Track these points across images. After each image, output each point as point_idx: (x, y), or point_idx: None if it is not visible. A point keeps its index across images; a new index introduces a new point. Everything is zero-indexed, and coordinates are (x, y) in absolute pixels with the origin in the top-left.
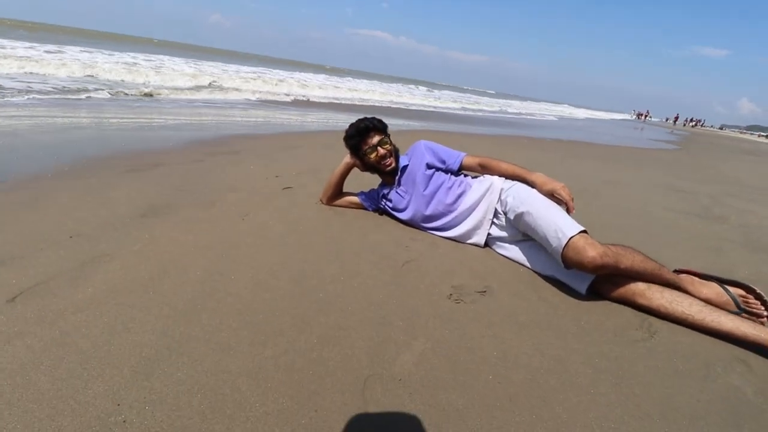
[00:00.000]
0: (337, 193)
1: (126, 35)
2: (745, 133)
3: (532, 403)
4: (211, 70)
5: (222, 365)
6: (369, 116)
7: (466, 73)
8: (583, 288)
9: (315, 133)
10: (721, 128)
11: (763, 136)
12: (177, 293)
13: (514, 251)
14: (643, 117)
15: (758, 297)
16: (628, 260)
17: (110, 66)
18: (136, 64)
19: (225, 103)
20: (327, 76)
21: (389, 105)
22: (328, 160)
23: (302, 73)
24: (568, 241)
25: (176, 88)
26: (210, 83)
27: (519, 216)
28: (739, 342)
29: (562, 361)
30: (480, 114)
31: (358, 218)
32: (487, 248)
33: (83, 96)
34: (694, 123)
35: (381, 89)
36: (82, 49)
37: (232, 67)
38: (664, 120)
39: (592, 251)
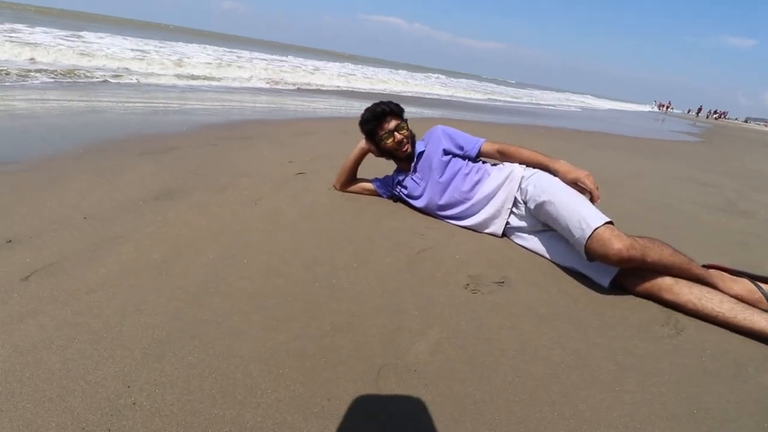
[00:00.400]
0: (350, 179)
1: (140, 20)
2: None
3: (553, 399)
4: (225, 57)
5: (233, 350)
6: (385, 100)
7: (482, 61)
8: (606, 281)
9: (330, 119)
10: (745, 121)
11: None
12: (189, 276)
13: (533, 242)
14: (665, 108)
15: None
16: (656, 253)
17: (116, 51)
18: (148, 51)
19: (237, 89)
20: (342, 63)
21: (413, 95)
22: (343, 146)
23: (318, 61)
24: (592, 233)
25: (188, 75)
26: (219, 68)
27: (540, 205)
28: None
29: (584, 356)
30: (499, 104)
31: (372, 205)
32: (505, 238)
33: (94, 80)
34: (718, 115)
35: (398, 77)
36: (95, 34)
37: (245, 53)
38: (686, 111)
39: (618, 243)
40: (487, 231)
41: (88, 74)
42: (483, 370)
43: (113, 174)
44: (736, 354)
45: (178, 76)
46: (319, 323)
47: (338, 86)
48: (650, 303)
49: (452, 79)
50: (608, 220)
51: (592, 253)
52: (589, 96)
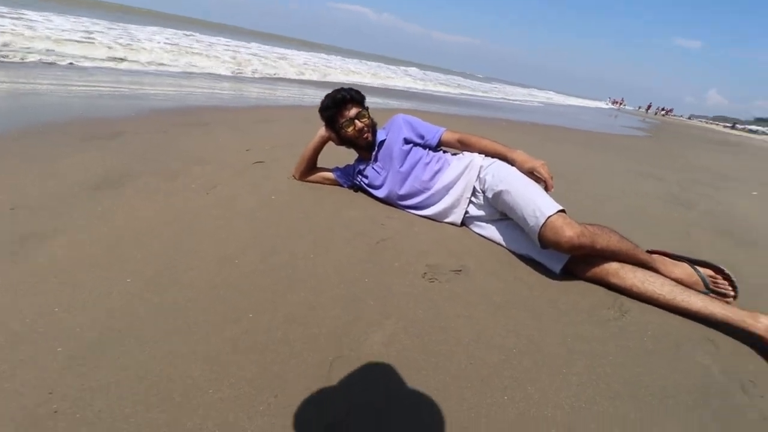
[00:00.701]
0: (310, 167)
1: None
2: (711, 123)
3: (504, 384)
4: (182, 41)
5: (174, 348)
6: (346, 87)
7: (450, 54)
8: (557, 268)
9: (294, 107)
10: (689, 118)
11: (728, 126)
12: (128, 271)
13: (490, 230)
14: (618, 105)
15: (726, 277)
16: (605, 240)
17: (58, 31)
18: (93, 32)
19: (196, 74)
20: (311, 53)
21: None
22: (305, 135)
23: (285, 49)
24: (546, 221)
25: (141, 60)
26: (172, 53)
27: (497, 194)
28: (707, 321)
29: (536, 342)
30: (467, 97)
31: (332, 194)
32: (464, 227)
33: (31, 60)
34: (665, 112)
35: (366, 68)
36: (39, 13)
37: (205, 38)
38: (637, 108)
39: (569, 231)
40: (446, 220)
41: (28, 54)
42: (438, 359)
43: (50, 160)
44: (676, 334)
45: (122, 59)
46: (271, 316)
47: (305, 76)
48: (599, 288)
49: (425, 72)
50: (561, 208)
51: (545, 240)
52: (551, 92)
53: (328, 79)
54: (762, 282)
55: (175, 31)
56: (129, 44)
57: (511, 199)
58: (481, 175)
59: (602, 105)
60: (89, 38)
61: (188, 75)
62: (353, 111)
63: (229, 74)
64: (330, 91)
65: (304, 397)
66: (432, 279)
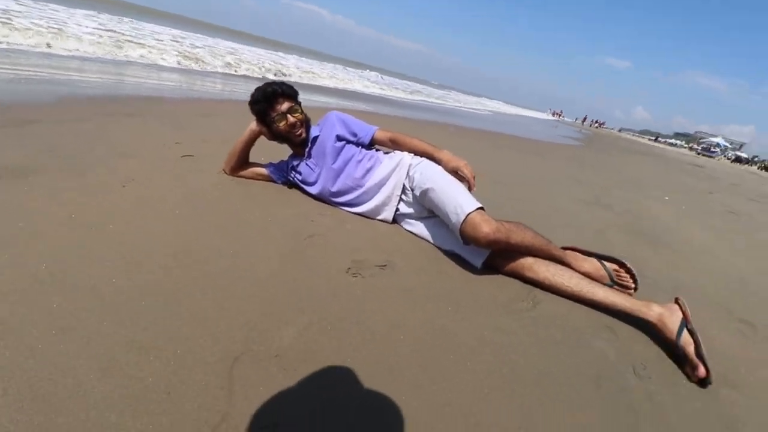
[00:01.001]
0: (241, 162)
1: None
2: (637, 136)
3: (412, 372)
4: (118, 27)
5: (57, 349)
6: (278, 81)
7: (401, 59)
8: (479, 262)
9: (239, 102)
10: (620, 130)
11: (651, 139)
12: (12, 273)
13: (419, 227)
14: (558, 116)
15: (628, 271)
16: (519, 236)
17: None
18: (15, 11)
19: (132, 63)
20: (265, 49)
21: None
22: (244, 129)
23: (239, 44)
24: (466, 217)
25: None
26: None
27: (424, 192)
28: (609, 310)
29: (450, 332)
30: (422, 102)
31: (264, 191)
32: (396, 225)
33: None
34: (598, 124)
35: (324, 70)
36: None
37: (147, 26)
38: (574, 120)
39: (486, 227)
40: (379, 217)
41: None
42: (348, 353)
43: None
44: (580, 323)
45: (48, 45)
46: (174, 315)
47: (257, 73)
48: (515, 281)
49: (382, 76)
50: (479, 206)
51: (465, 236)
52: (500, 102)
53: (285, 80)
54: (661, 276)
55: (110, 16)
56: (58, 28)
57: (436, 197)
58: (410, 173)
59: (544, 116)
60: (8, 20)
61: (125, 64)
62: (285, 105)
63: (174, 65)
64: (261, 84)
65: (198, 394)
66: (356, 274)
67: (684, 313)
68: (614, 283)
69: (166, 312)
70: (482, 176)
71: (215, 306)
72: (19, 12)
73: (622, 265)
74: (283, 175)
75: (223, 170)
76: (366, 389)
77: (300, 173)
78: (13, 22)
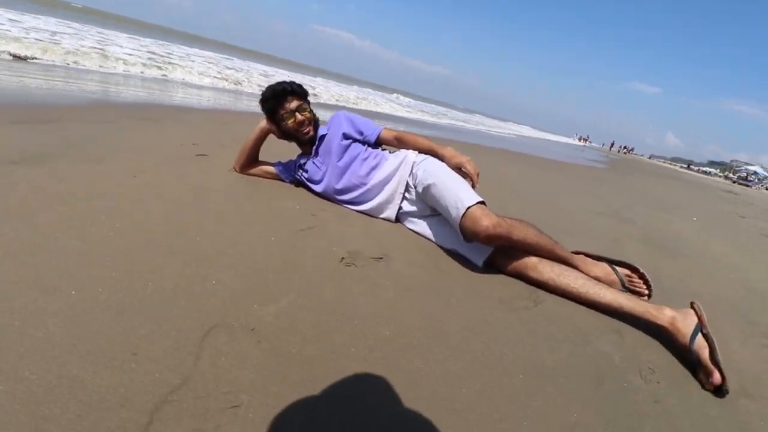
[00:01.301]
0: (251, 160)
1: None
2: (668, 163)
3: (390, 355)
4: (155, 49)
5: (39, 304)
6: (288, 80)
7: (427, 83)
8: (480, 261)
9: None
10: (650, 157)
11: (684, 167)
12: (15, 237)
13: (422, 226)
14: (584, 141)
15: (641, 276)
16: (521, 232)
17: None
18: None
19: (162, 80)
20: (292, 72)
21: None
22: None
23: (271, 67)
24: (466, 211)
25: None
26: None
27: (426, 188)
28: (616, 313)
29: (437, 320)
30: (451, 124)
31: (271, 188)
32: (398, 223)
33: None
34: (627, 150)
35: (356, 93)
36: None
37: (184, 48)
38: (601, 145)
39: (486, 221)
40: (382, 216)
41: None
42: (327, 332)
43: None
44: (585, 325)
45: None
46: (155, 283)
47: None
48: (519, 282)
49: (409, 99)
50: (480, 200)
51: (465, 230)
52: (526, 126)
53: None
54: (678, 284)
55: (152, 39)
56: (102, 48)
57: (437, 192)
58: (413, 171)
59: (570, 141)
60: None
61: (159, 81)
62: (294, 103)
63: (207, 84)
64: (273, 83)
65: (165, 358)
66: (349, 264)
67: (699, 317)
68: (626, 289)
69: (147, 279)
70: (498, 187)
71: (198, 278)
72: (68, 33)
73: (634, 270)
74: (291, 173)
75: (233, 168)
76: (341, 368)
77: (306, 171)
78: (63, 43)
